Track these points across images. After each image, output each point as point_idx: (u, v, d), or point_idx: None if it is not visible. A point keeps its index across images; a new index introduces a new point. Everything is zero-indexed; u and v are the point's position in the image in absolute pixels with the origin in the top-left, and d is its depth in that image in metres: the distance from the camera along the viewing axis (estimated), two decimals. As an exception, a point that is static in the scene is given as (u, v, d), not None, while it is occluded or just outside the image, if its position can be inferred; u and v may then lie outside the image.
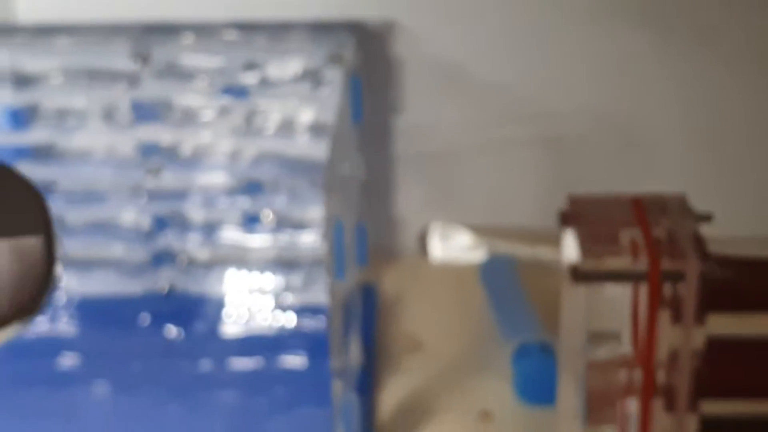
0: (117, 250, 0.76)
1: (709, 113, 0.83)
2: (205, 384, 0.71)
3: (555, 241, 0.71)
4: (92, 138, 0.74)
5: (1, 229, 0.37)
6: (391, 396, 0.72)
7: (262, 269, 0.75)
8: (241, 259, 0.76)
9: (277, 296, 0.76)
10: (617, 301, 0.48)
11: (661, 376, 0.48)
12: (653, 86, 0.83)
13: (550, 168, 0.85)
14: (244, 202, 0.75)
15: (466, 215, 0.85)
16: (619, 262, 0.47)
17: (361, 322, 0.77)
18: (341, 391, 0.63)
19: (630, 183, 0.87)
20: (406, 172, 0.86)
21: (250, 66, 0.76)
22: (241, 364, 0.73)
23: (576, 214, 0.50)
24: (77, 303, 0.75)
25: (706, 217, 0.50)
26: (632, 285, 0.47)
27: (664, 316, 0.47)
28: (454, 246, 0.84)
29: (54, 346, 0.73)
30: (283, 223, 0.75)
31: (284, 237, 0.75)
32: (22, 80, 0.76)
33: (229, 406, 0.70)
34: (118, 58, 0.76)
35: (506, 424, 0.67)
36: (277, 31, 0.80)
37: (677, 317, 0.47)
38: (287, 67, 0.77)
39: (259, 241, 0.76)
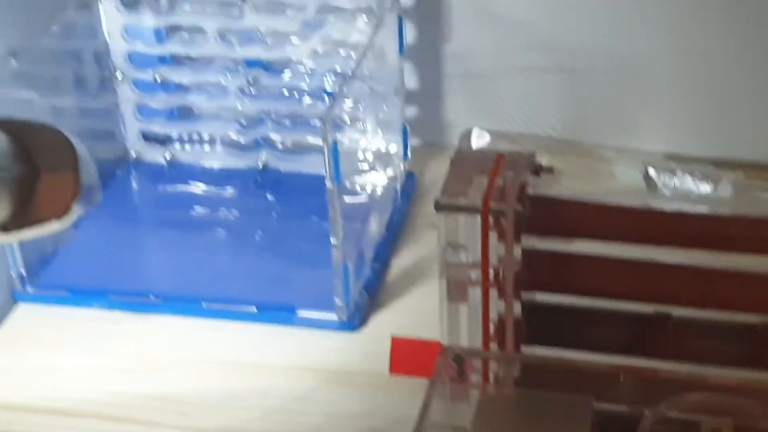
0: (231, 133, 1.01)
1: (704, 52, 0.94)
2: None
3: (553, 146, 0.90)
4: (212, 50, 0.97)
5: (49, 166, 0.57)
6: (403, 261, 0.89)
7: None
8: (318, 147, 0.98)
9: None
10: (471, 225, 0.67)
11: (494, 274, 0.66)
12: (654, 26, 0.93)
13: (565, 91, 0.98)
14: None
15: (500, 123, 1.00)
16: (466, 199, 0.65)
17: (393, 203, 0.94)
18: (340, 259, 0.81)
19: (629, 109, 0.99)
20: (453, 87, 1.00)
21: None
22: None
23: (457, 160, 0.69)
24: (204, 171, 1.01)
25: (549, 170, 0.70)
26: (477, 216, 0.68)
27: (494, 237, 0.66)
28: (485, 145, 1.03)
29: (188, 199, 0.99)
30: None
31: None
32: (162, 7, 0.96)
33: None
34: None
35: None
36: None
37: (501, 237, 0.66)
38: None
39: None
